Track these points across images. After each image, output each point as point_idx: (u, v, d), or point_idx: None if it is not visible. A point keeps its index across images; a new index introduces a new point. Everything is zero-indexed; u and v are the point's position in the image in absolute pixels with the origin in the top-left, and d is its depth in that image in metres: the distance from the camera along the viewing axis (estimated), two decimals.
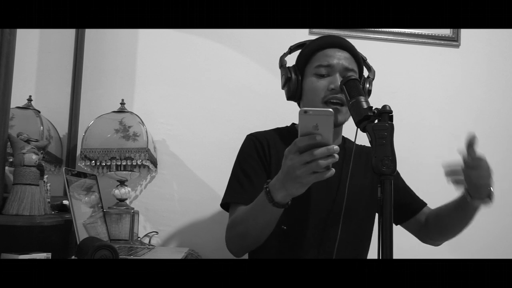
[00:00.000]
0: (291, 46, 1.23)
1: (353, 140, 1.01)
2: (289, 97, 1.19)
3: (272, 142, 1.17)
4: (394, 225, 1.25)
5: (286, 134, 1.22)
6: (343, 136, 1.26)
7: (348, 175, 1.02)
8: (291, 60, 1.21)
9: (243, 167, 1.15)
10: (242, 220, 1.04)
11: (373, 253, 1.26)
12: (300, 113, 0.77)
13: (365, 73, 1.24)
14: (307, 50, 1.17)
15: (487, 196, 1.04)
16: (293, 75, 1.16)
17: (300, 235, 1.09)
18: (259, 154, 1.15)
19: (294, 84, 1.16)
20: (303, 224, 1.10)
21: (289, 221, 1.08)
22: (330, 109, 0.78)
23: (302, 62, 1.17)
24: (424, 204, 1.29)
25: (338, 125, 1.15)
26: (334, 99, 1.09)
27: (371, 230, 1.21)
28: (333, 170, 0.81)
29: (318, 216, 1.10)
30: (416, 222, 1.25)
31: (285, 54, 1.22)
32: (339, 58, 1.12)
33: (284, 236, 1.09)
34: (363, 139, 1.06)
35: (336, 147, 0.78)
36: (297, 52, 1.24)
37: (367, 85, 1.19)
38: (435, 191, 1.77)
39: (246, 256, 1.22)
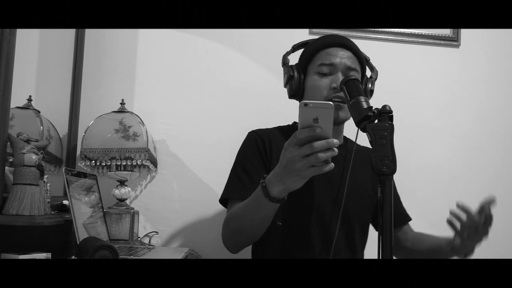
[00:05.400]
0: (294, 45, 1.24)
1: (355, 141, 1.01)
2: (291, 95, 1.19)
3: (273, 139, 1.17)
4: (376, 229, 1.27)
5: (288, 132, 1.21)
6: (344, 136, 1.26)
7: (348, 173, 1.02)
8: (293, 60, 1.21)
9: (244, 163, 1.15)
10: (237, 216, 1.04)
11: (373, 253, 1.27)
12: (300, 105, 0.77)
13: (368, 73, 1.24)
14: (309, 49, 1.17)
15: (470, 251, 1.09)
16: (295, 73, 1.15)
17: (304, 234, 1.09)
18: (260, 151, 1.15)
19: (296, 83, 1.15)
20: (307, 223, 1.10)
21: (292, 221, 1.08)
22: (331, 102, 0.78)
23: (304, 60, 1.17)
24: (408, 220, 1.29)
25: (340, 122, 1.14)
26: (336, 98, 1.09)
27: (368, 230, 1.21)
28: (332, 164, 0.80)
29: (321, 214, 1.10)
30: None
31: (288, 53, 1.22)
32: (342, 57, 1.12)
33: (288, 236, 1.09)
34: (364, 140, 1.06)
35: (335, 140, 0.78)
36: (300, 52, 1.24)
37: (369, 85, 1.19)
38: (435, 191, 1.77)
39: (249, 255, 1.21)
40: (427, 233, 1.23)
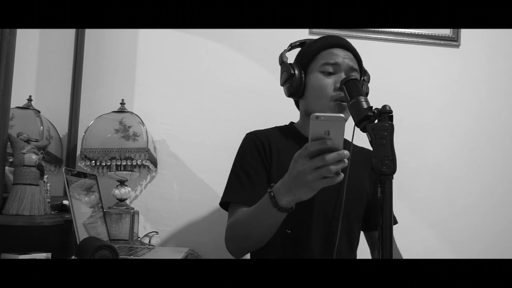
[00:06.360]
0: (291, 43, 1.23)
1: (350, 141, 1.01)
2: (290, 94, 1.18)
3: (272, 140, 1.17)
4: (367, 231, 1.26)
5: (286, 132, 1.22)
6: None
7: (347, 173, 1.02)
8: (289, 58, 1.21)
9: (243, 165, 1.14)
10: (243, 222, 1.04)
11: (365, 253, 1.27)
12: (311, 118, 0.77)
13: None
14: (312, 48, 1.16)
15: None
16: (296, 71, 1.15)
17: (306, 237, 1.09)
18: (260, 153, 1.14)
19: (297, 81, 1.14)
20: (308, 226, 1.09)
21: (293, 224, 1.07)
22: (342, 115, 0.77)
23: (306, 59, 1.16)
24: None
25: None
26: (341, 99, 1.09)
27: (360, 227, 1.22)
28: (342, 175, 0.81)
29: (322, 217, 1.10)
30: (372, 240, 1.25)
31: (285, 51, 1.21)
32: (344, 57, 1.13)
33: (289, 239, 1.08)
34: (361, 140, 1.06)
35: (346, 152, 0.78)
36: (296, 50, 1.24)
37: (364, 88, 1.19)
38: (435, 191, 1.77)
39: (247, 256, 1.22)
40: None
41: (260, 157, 1.14)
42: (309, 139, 0.79)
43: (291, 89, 1.16)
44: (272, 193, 0.89)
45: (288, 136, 1.20)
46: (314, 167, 0.79)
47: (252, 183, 1.11)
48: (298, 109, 1.25)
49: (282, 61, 1.19)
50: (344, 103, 1.09)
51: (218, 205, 1.18)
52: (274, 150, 1.15)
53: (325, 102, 1.10)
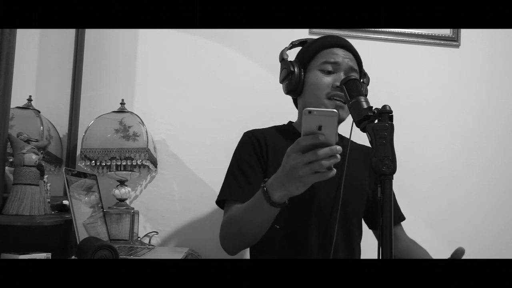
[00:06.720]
0: (293, 41, 1.24)
1: (349, 138, 1.01)
2: (289, 91, 1.18)
3: (269, 139, 1.17)
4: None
5: (284, 132, 1.22)
6: (340, 134, 1.26)
7: (344, 170, 1.02)
8: (290, 57, 1.21)
9: (240, 164, 1.15)
10: (237, 219, 1.04)
11: (373, 253, 1.27)
12: (304, 113, 0.77)
13: None
14: (313, 47, 1.17)
15: None
16: (296, 69, 1.15)
17: (304, 235, 1.09)
18: (256, 152, 1.15)
19: (296, 78, 1.15)
20: (306, 225, 1.09)
21: (292, 222, 1.08)
22: (335, 110, 0.78)
23: (306, 58, 1.16)
24: (400, 220, 1.28)
25: (340, 122, 1.15)
26: (337, 97, 1.10)
27: (362, 227, 1.22)
28: (334, 170, 0.81)
29: (320, 215, 1.10)
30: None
31: (286, 49, 1.22)
32: (345, 57, 1.13)
33: (288, 237, 1.09)
34: (359, 138, 1.06)
35: (339, 147, 0.78)
36: (297, 49, 1.24)
37: (363, 90, 1.20)
38: (435, 191, 1.77)
39: (247, 256, 1.22)
40: (420, 248, 1.21)
41: (257, 156, 1.14)
42: (302, 133, 0.79)
43: (290, 86, 1.16)
44: (265, 188, 0.89)
45: (286, 135, 1.20)
46: (306, 162, 0.79)
47: (249, 182, 1.11)
48: (297, 108, 1.25)
49: (283, 58, 1.19)
50: (339, 102, 1.09)
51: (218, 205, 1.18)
52: (270, 149, 1.15)
53: (321, 99, 1.11)
